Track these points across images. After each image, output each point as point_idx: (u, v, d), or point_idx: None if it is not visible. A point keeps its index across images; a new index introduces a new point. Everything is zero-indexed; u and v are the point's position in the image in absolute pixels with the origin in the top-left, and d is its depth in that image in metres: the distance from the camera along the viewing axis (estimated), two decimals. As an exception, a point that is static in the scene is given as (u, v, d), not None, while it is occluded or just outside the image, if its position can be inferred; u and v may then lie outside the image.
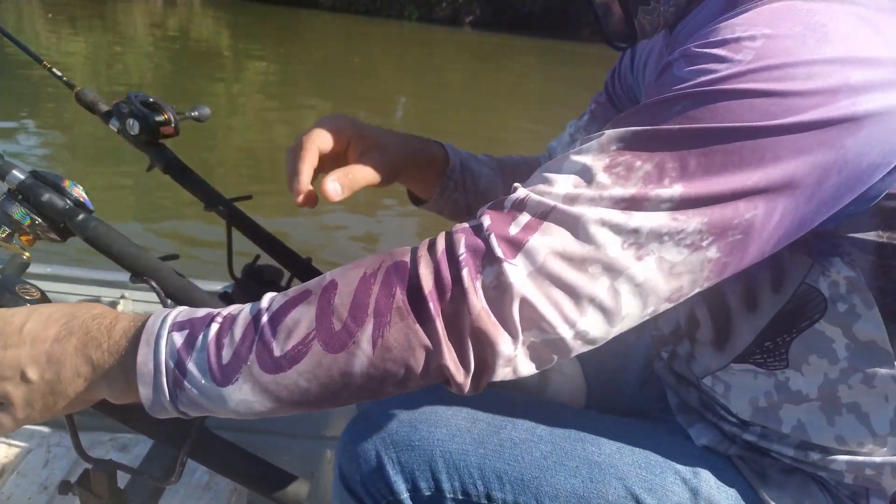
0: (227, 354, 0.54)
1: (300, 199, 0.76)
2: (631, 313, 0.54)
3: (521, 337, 0.52)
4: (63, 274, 1.34)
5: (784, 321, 0.68)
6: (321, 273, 1.26)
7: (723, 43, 0.53)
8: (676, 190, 0.51)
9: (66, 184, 0.92)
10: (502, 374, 0.54)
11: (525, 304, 0.51)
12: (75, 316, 0.58)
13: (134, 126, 1.09)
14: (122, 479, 0.75)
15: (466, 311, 0.51)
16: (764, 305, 0.68)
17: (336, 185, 0.74)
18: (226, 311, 0.57)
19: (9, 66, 8.04)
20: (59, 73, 1.19)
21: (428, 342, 0.52)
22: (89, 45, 11.79)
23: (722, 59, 0.52)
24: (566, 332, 0.53)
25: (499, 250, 0.52)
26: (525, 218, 0.53)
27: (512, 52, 15.40)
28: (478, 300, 0.51)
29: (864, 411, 0.67)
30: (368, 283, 0.54)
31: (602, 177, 0.52)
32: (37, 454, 1.20)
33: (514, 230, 0.52)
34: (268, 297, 0.57)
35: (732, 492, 0.74)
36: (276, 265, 1.25)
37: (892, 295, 0.62)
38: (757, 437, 0.75)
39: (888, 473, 0.69)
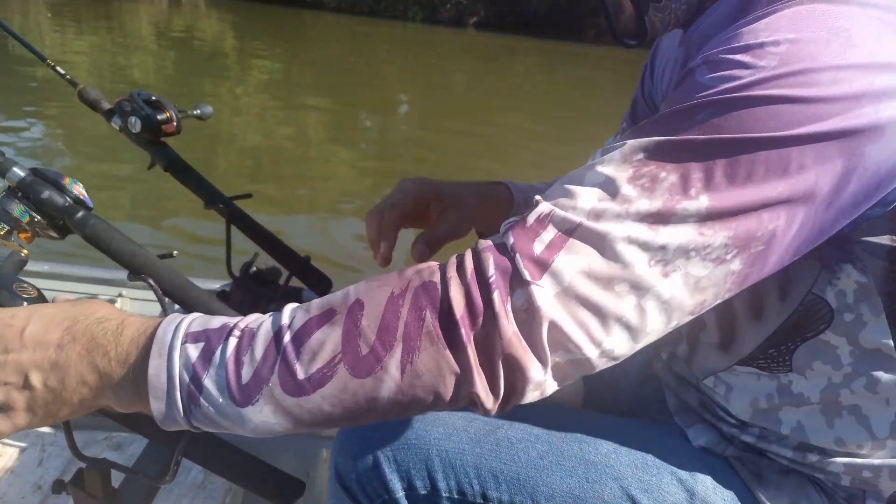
0: (246, 373, 0.52)
1: (381, 260, 0.85)
2: (656, 329, 0.53)
3: (549, 361, 0.51)
4: (61, 272, 1.34)
5: (789, 330, 0.67)
6: (320, 272, 1.27)
7: (746, 48, 0.52)
8: (703, 202, 0.50)
9: (67, 181, 0.92)
10: (531, 397, 0.53)
11: (553, 326, 0.50)
12: (78, 319, 0.55)
13: (136, 124, 1.09)
14: (117, 478, 0.75)
15: (498, 336, 0.50)
16: (769, 314, 0.68)
17: (425, 248, 0.82)
18: (243, 322, 0.55)
19: (13, 63, 8.07)
20: (63, 72, 1.20)
21: (458, 369, 0.51)
22: (94, 45, 11.82)
23: (746, 65, 0.51)
24: (592, 353, 0.52)
25: (526, 273, 0.50)
26: (550, 235, 0.52)
27: (516, 53, 15.40)
28: (509, 324, 0.50)
29: (864, 414, 0.67)
30: (397, 305, 0.52)
31: (627, 189, 0.51)
32: (31, 453, 1.20)
33: (539, 248, 0.51)
34: (288, 312, 0.54)
35: (729, 493, 0.73)
36: (274, 264, 1.25)
37: None
38: (755, 439, 0.74)
39: (886, 476, 0.69)
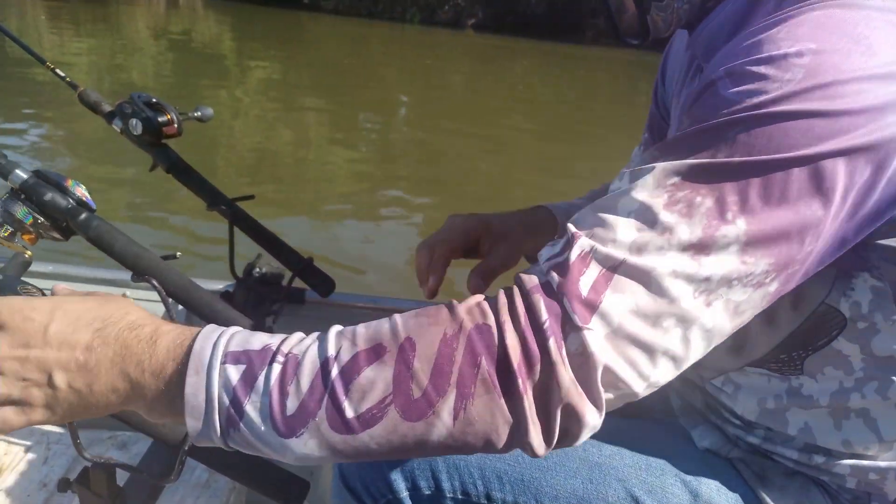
0: (292, 405, 0.50)
1: (428, 293, 0.88)
2: (697, 355, 0.54)
3: (603, 404, 0.51)
4: (65, 273, 1.34)
5: (800, 337, 0.68)
6: (323, 273, 1.27)
7: (770, 60, 0.51)
8: (740, 226, 0.50)
9: (69, 183, 0.92)
10: (583, 439, 0.53)
11: (606, 370, 0.50)
12: (109, 322, 0.53)
13: (137, 126, 1.09)
14: (122, 477, 0.75)
15: (556, 385, 0.49)
16: (781, 321, 0.68)
17: (480, 282, 0.86)
18: (286, 346, 0.53)
19: (12, 66, 8.07)
20: (63, 74, 1.20)
21: (513, 418, 0.50)
22: (92, 47, 11.82)
23: (771, 79, 0.51)
24: (640, 387, 0.52)
25: (577, 318, 0.49)
26: (594, 273, 0.51)
27: (514, 54, 15.41)
28: (566, 372, 0.49)
29: (873, 417, 0.67)
30: (450, 348, 0.50)
31: (665, 216, 0.51)
32: (36, 452, 1.20)
33: (585, 289, 0.50)
34: (333, 341, 0.52)
35: (733, 495, 0.73)
36: (277, 265, 1.26)
37: None
38: (760, 440, 0.74)
39: (892, 478, 0.69)
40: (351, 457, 0.51)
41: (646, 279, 0.50)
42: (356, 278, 3.50)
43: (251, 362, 0.52)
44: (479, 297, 0.54)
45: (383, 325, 0.53)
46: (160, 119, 1.10)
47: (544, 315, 0.50)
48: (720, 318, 0.52)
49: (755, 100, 0.50)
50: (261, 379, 0.51)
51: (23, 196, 0.88)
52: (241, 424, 0.51)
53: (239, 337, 0.54)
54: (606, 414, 0.55)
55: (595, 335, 0.49)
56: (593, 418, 0.51)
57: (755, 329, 0.69)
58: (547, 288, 0.51)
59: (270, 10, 19.38)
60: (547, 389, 0.50)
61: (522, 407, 0.49)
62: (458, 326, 0.51)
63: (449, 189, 5.51)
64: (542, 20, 18.74)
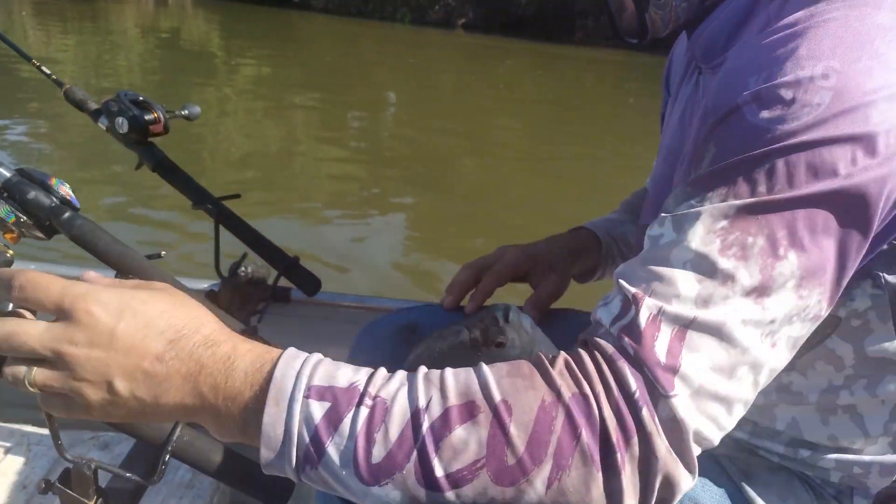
0: (378, 454, 0.49)
1: (448, 306, 0.92)
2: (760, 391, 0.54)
3: (696, 466, 0.51)
4: (48, 272, 1.33)
5: None
6: (309, 272, 1.27)
7: (796, 84, 0.51)
8: (792, 260, 0.51)
9: (53, 182, 0.92)
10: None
11: (695, 433, 0.50)
12: (182, 333, 0.51)
13: (123, 124, 1.09)
14: (104, 478, 0.75)
15: (654, 457, 0.49)
16: None
17: (535, 314, 0.88)
18: (372, 387, 0.51)
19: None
20: (49, 71, 1.19)
21: (608, 492, 0.49)
22: (79, 45, 11.74)
23: (800, 103, 0.50)
24: (718, 439, 0.52)
25: (662, 386, 0.49)
26: (667, 335, 0.50)
27: (504, 54, 15.43)
28: (661, 441, 0.49)
29: (860, 413, 0.68)
30: (549, 416, 0.49)
31: (723, 263, 0.51)
32: (16, 453, 1.19)
33: (662, 354, 0.50)
34: (423, 389, 0.51)
35: (719, 491, 0.74)
36: (263, 264, 1.25)
37: None
38: (748, 435, 0.75)
39: (876, 472, 0.69)
40: None
41: (718, 333, 0.50)
42: (342, 277, 3.50)
43: (336, 401, 0.50)
44: (567, 358, 0.53)
45: (473, 379, 0.52)
46: (147, 117, 1.10)
47: (633, 385, 0.49)
48: (783, 356, 0.53)
49: (787, 128, 0.50)
50: (346, 422, 0.49)
51: (5, 194, 0.88)
52: (321, 464, 0.50)
53: (323, 369, 0.52)
54: None
55: (681, 400, 0.49)
56: (688, 483, 0.51)
57: None
58: (625, 354, 0.51)
59: (260, 9, 19.31)
60: (645, 461, 0.49)
61: (620, 480, 0.49)
62: (557, 394, 0.50)
63: (438, 188, 5.51)
64: (533, 20, 18.78)
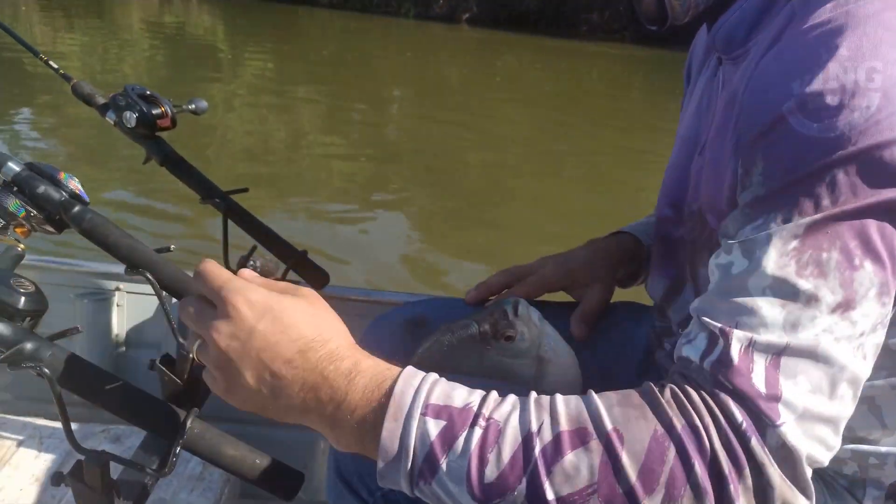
0: (491, 473, 0.51)
1: (469, 301, 0.93)
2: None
3: (812, 489, 0.51)
4: (58, 266, 1.34)
5: None
6: (317, 266, 1.27)
7: (841, 89, 0.50)
8: (868, 269, 0.51)
9: (62, 176, 0.92)
10: None
11: (807, 457, 0.50)
12: (311, 345, 0.55)
13: (131, 119, 1.09)
14: (115, 470, 0.75)
15: (769, 486, 0.49)
16: None
17: (584, 326, 0.90)
18: (486, 408, 0.53)
19: (3, 58, 8.01)
20: (56, 66, 1.19)
21: None
22: (85, 40, 11.75)
23: (849, 109, 0.50)
24: (828, 460, 0.52)
25: (767, 417, 0.50)
26: (761, 366, 0.51)
27: (508, 48, 15.39)
28: (775, 471, 0.49)
29: (878, 404, 0.67)
30: (662, 447, 0.50)
31: (802, 284, 0.51)
32: (28, 446, 1.20)
33: (761, 385, 0.50)
34: (535, 413, 0.53)
35: None
36: (272, 258, 1.26)
37: None
38: None
39: (891, 464, 0.69)
40: None
41: (813, 355, 0.50)
42: (350, 271, 3.50)
43: (452, 420, 0.52)
44: (675, 390, 0.53)
45: (583, 407, 0.53)
46: (154, 111, 1.10)
47: (739, 417, 0.50)
48: (870, 365, 0.53)
49: (840, 136, 0.50)
50: (461, 440, 0.51)
51: (15, 189, 0.88)
52: (434, 480, 0.52)
53: (439, 388, 0.54)
54: None
55: (789, 427, 0.49)
56: None
57: None
58: (724, 389, 0.51)
59: (265, 4, 19.29)
60: (761, 492, 0.50)
61: None
62: (668, 425, 0.51)
63: (443, 181, 5.51)
64: (536, 14, 18.71)
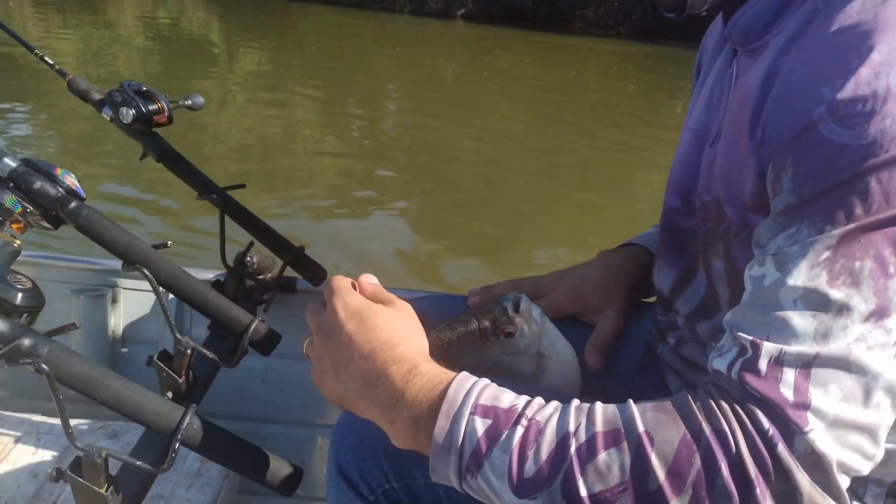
0: (529, 469, 0.54)
1: (470, 305, 0.91)
2: None
3: (846, 498, 0.51)
4: (55, 262, 1.33)
5: None
6: (315, 262, 1.27)
7: (874, 96, 0.49)
8: None
9: (59, 172, 0.92)
10: None
11: (839, 464, 0.50)
12: (380, 349, 0.61)
13: (127, 114, 1.08)
14: (114, 466, 0.75)
15: (797, 492, 0.50)
16: None
17: (598, 356, 0.88)
18: (530, 410, 0.56)
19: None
20: (52, 62, 1.19)
21: None
22: (79, 35, 11.70)
23: (880, 115, 0.49)
24: (867, 469, 0.52)
25: (795, 424, 0.50)
26: (790, 375, 0.51)
27: (503, 44, 15.37)
28: (803, 477, 0.50)
29: None
30: (690, 450, 0.51)
31: (834, 294, 0.50)
32: (26, 442, 1.20)
33: (790, 394, 0.50)
34: (573, 416, 0.55)
35: None
36: (269, 254, 1.25)
37: None
38: None
39: (893, 462, 0.70)
40: None
41: (844, 364, 0.50)
42: (348, 267, 3.50)
43: (497, 419, 0.56)
44: (706, 398, 0.54)
45: (620, 410, 0.55)
46: (151, 107, 1.10)
47: (766, 423, 0.51)
48: None
49: (872, 143, 0.49)
50: (504, 437, 0.55)
51: (11, 184, 0.88)
52: (479, 474, 0.55)
53: (489, 392, 0.58)
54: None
55: (818, 434, 0.50)
56: None
57: None
58: (751, 398, 0.52)
59: (259, 0, 19.25)
60: (789, 497, 0.50)
61: None
62: (697, 430, 0.52)
63: (440, 178, 5.51)
64: (531, 10, 18.70)
